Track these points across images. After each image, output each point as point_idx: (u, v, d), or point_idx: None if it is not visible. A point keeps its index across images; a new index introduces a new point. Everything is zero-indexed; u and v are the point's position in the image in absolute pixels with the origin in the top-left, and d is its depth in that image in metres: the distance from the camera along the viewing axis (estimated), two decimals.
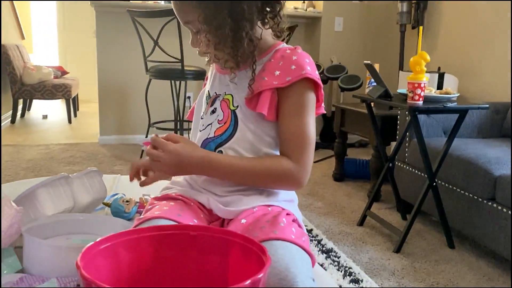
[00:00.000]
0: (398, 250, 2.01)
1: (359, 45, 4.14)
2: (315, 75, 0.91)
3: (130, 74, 3.83)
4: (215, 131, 0.94)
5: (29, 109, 5.62)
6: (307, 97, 0.91)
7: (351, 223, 2.33)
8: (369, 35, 4.15)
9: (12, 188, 1.21)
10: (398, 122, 2.47)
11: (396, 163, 2.45)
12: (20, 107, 5.19)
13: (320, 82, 0.92)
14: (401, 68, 3.74)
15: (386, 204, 2.62)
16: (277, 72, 0.89)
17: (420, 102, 1.91)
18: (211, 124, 0.96)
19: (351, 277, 1.75)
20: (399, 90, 2.16)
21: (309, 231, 2.15)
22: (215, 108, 0.97)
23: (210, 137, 0.95)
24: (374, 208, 2.42)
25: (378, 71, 2.16)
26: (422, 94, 1.91)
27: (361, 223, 2.30)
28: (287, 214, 0.88)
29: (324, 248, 1.98)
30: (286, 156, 0.89)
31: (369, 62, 2.16)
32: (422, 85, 1.90)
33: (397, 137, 2.51)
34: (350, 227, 2.28)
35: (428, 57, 1.89)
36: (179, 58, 2.93)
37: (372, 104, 2.28)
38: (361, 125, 2.79)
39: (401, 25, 3.71)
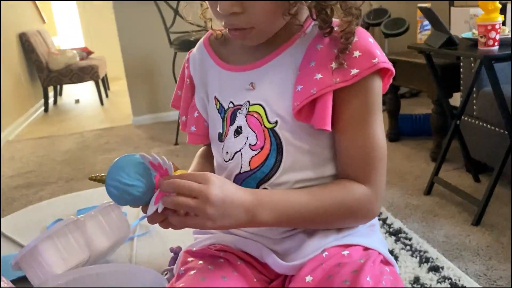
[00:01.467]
0: (477, 223, 1.74)
1: None
2: (388, 61, 0.65)
3: (154, 48, 3.59)
4: (250, 162, 0.68)
5: (60, 94, 5.53)
6: (376, 94, 0.65)
7: (416, 192, 2.06)
8: None
9: (20, 219, 1.03)
10: (462, 71, 2.12)
11: (463, 117, 2.13)
12: (51, 94, 5.10)
13: (393, 70, 0.66)
14: (451, 3, 3.30)
15: (453, 163, 2.31)
16: (334, 64, 0.63)
17: (496, 48, 1.57)
18: (240, 151, 0.69)
19: (429, 263, 1.50)
20: (463, 35, 1.82)
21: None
22: (240, 127, 0.69)
23: (245, 172, 0.69)
24: (440, 171, 2.13)
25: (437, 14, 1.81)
26: (497, 37, 1.57)
27: (428, 191, 2.03)
28: (373, 258, 0.62)
29: (391, 229, 1.74)
30: (354, 179, 0.64)
31: (425, 5, 1.81)
32: (497, 26, 1.55)
33: (461, 87, 2.17)
34: (417, 197, 2.01)
35: None
36: (203, 25, 2.66)
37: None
38: (416, 77, 2.46)
39: None
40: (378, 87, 0.66)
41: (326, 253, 0.63)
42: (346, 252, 0.63)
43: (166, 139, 3.25)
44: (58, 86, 5.25)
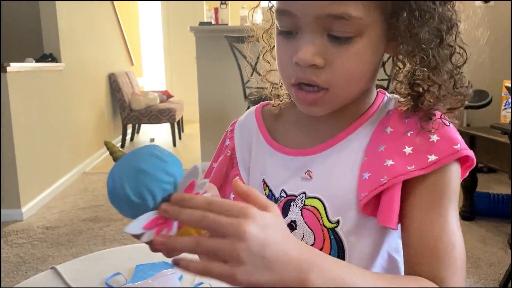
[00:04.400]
0: None
1: (483, 52, 3.56)
2: (469, 149, 0.56)
3: (229, 99, 3.71)
4: None
5: (138, 132, 5.84)
6: (454, 186, 0.55)
7: (490, 282, 1.88)
8: (497, 41, 3.57)
9: (81, 267, 1.05)
10: None
11: None
12: (129, 131, 5.40)
13: (475, 160, 0.57)
14: None
15: None
16: (408, 149, 0.55)
17: None
18: None
19: None
20: None
21: None
22: (294, 222, 0.60)
23: None
24: None
25: None
26: None
27: (505, 284, 1.84)
28: None
29: None
30: (426, 277, 0.52)
31: None
32: None
33: None
34: None
35: None
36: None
37: None
38: (497, 155, 2.31)
39: None
40: (457, 177, 0.56)
41: None
42: None
43: None
44: (137, 125, 5.55)
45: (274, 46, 0.62)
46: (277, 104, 0.69)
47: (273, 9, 0.59)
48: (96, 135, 4.35)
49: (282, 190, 0.62)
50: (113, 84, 4.82)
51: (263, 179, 0.64)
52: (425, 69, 0.55)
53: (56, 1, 3.42)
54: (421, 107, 0.58)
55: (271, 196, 0.63)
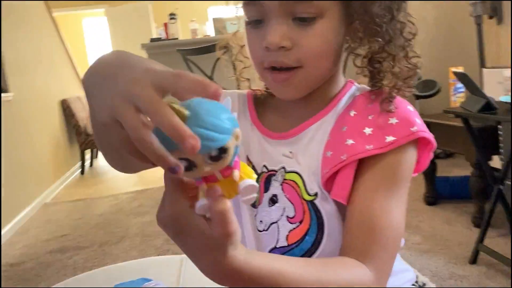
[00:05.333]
0: None
1: (429, 45, 3.73)
2: (428, 131, 0.60)
3: None
4: (287, 237, 0.62)
5: (96, 157, 5.69)
6: (406, 168, 0.59)
7: (461, 261, 1.95)
8: (440, 31, 3.74)
9: None
10: (501, 133, 2.08)
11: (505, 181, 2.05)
12: (88, 156, 5.26)
13: (435, 142, 0.61)
14: (482, 65, 3.30)
15: (497, 229, 2.19)
16: (368, 130, 0.59)
17: None
18: (276, 223, 0.63)
19: None
20: (502, 98, 1.79)
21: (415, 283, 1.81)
22: (275, 196, 0.63)
23: (281, 247, 0.62)
24: (485, 237, 2.02)
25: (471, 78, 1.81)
26: None
27: (473, 260, 1.92)
28: None
29: None
30: (355, 256, 0.53)
31: (460, 70, 1.81)
32: None
33: (500, 150, 2.11)
34: (461, 266, 1.90)
35: None
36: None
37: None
38: (452, 139, 2.41)
39: (476, 17, 3.27)
40: (411, 161, 0.59)
41: None
42: None
43: None
44: (95, 149, 5.41)
45: (243, 46, 0.68)
46: (260, 93, 0.73)
47: (240, 6, 0.63)
48: (54, 164, 4.21)
49: (264, 165, 0.65)
50: (66, 110, 4.69)
51: (247, 156, 0.67)
52: (380, 40, 0.60)
53: None
54: (381, 87, 0.62)
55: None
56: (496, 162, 2.37)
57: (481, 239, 1.92)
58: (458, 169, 3.19)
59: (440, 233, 2.25)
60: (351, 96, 0.66)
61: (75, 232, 2.91)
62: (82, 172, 4.85)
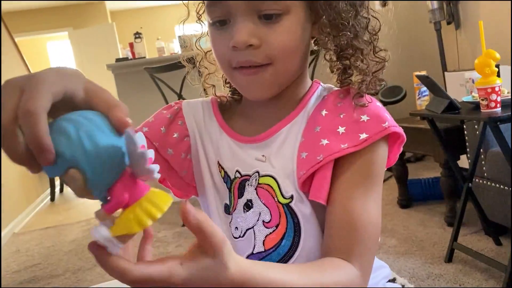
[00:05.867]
0: None
1: (392, 51, 3.82)
2: (398, 125, 0.61)
3: None
4: (264, 242, 0.61)
5: None
6: (380, 164, 0.60)
7: (437, 260, 1.97)
8: (401, 39, 3.84)
9: None
10: (466, 133, 2.13)
11: (474, 179, 2.10)
12: (57, 182, 5.12)
13: (404, 136, 0.63)
14: (444, 69, 3.40)
15: (470, 227, 2.24)
16: (342, 129, 0.59)
17: (499, 109, 1.59)
18: (252, 228, 0.62)
19: None
20: (464, 98, 1.85)
21: (392, 280, 1.81)
22: (250, 201, 0.62)
23: (258, 252, 0.62)
24: (458, 236, 2.06)
25: (435, 81, 1.85)
26: (499, 99, 1.59)
27: (449, 258, 1.95)
28: None
29: None
30: (337, 255, 0.55)
31: (423, 73, 1.86)
32: (497, 88, 1.58)
33: (467, 149, 2.16)
34: (438, 266, 1.93)
35: (498, 55, 1.58)
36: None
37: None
38: (421, 142, 2.46)
39: (435, 23, 3.39)
40: (383, 156, 0.61)
41: None
42: None
43: (173, 221, 3.19)
44: None
45: (207, 52, 0.67)
46: (224, 99, 0.72)
47: (202, 9, 0.64)
48: (22, 192, 4.08)
49: (237, 171, 0.64)
50: None
51: (218, 162, 0.66)
52: (349, 33, 0.60)
53: None
54: (350, 84, 0.63)
55: (226, 177, 0.65)
56: (464, 162, 2.43)
57: (455, 238, 1.95)
58: (429, 171, 3.26)
59: (415, 234, 2.28)
60: (319, 96, 0.66)
61: (46, 261, 2.81)
62: (52, 199, 4.71)
